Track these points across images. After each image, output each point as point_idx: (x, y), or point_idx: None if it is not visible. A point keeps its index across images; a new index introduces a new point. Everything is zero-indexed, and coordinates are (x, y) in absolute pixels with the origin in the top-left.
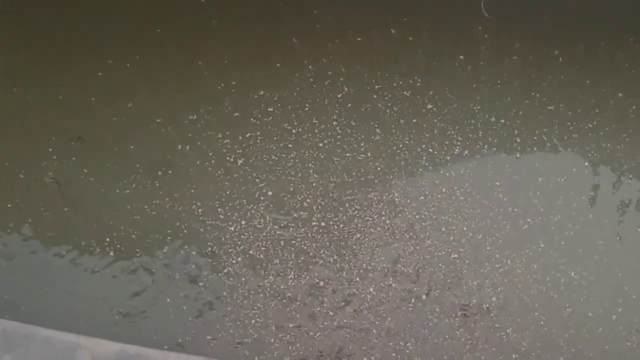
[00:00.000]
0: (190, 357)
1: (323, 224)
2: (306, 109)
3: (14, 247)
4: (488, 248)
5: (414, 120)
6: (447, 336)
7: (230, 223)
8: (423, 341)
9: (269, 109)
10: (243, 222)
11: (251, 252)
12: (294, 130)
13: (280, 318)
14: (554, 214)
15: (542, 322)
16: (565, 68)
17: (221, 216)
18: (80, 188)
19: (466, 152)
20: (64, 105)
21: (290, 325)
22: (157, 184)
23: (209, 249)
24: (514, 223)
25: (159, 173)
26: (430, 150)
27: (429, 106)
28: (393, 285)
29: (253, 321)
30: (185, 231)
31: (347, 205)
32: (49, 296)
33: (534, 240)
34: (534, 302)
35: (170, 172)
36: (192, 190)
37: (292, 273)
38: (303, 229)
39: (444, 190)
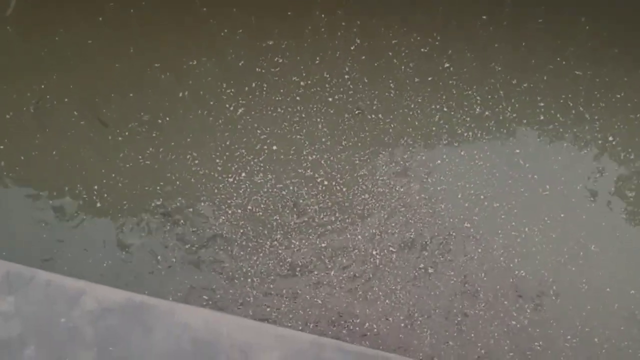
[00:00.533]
0: (198, 309)
1: (327, 182)
2: (317, 61)
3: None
4: (503, 217)
5: (430, 79)
6: (455, 307)
7: (229, 175)
8: (429, 312)
9: (276, 59)
10: (243, 175)
11: (249, 207)
12: (302, 83)
13: (281, 282)
14: (576, 183)
15: (555, 297)
16: (592, 36)
17: (219, 167)
18: (73, 134)
19: (487, 112)
20: (61, 50)
21: (290, 290)
22: (154, 133)
23: (203, 201)
24: (533, 191)
25: (159, 121)
26: (446, 109)
27: (446, 65)
28: (400, 251)
29: (249, 280)
30: (177, 182)
31: (355, 165)
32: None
33: (553, 209)
34: (549, 275)
35: (167, 119)
36: (189, 140)
37: (293, 233)
38: (306, 188)
39: (462, 153)
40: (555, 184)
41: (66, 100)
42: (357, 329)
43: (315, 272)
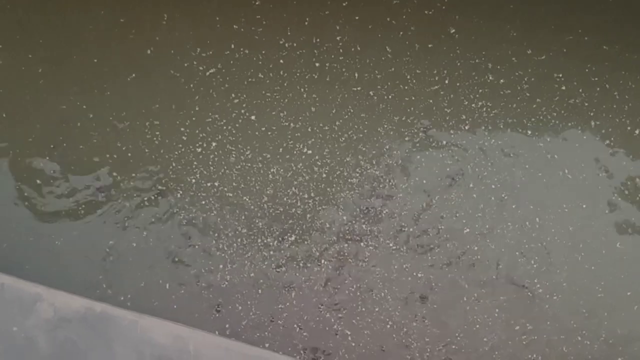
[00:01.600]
0: (163, 321)
1: (317, 155)
2: (306, 23)
3: None
4: (513, 206)
5: (430, 46)
6: (461, 300)
7: (195, 146)
8: (434, 301)
9: (258, 18)
10: (213, 144)
11: (217, 183)
12: (287, 45)
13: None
14: (600, 169)
15: (571, 295)
16: (612, 5)
17: (184, 137)
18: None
19: (502, 80)
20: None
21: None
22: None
23: (161, 176)
24: (553, 174)
25: (128, 79)
26: (448, 82)
27: (452, 31)
28: (399, 234)
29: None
30: (129, 154)
31: (348, 135)
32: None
33: (573, 199)
34: (562, 271)
35: (128, 79)
36: (151, 103)
37: (267, 222)
38: (288, 163)
39: (467, 127)
40: (578, 170)
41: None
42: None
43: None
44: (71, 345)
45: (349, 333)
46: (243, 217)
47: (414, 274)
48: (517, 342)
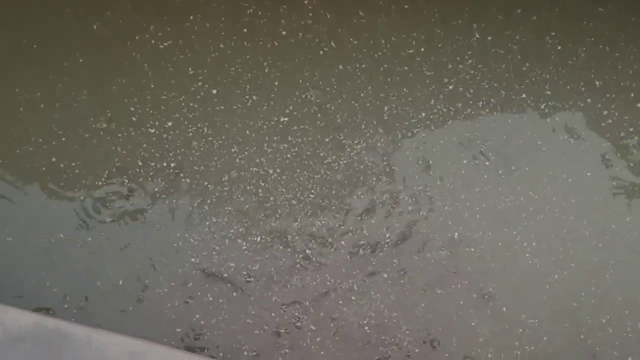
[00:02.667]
0: (120, 337)
1: (286, 131)
2: None
3: None
4: (504, 177)
5: (407, 7)
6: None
7: (148, 125)
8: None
9: None
10: (169, 124)
11: (173, 164)
12: (249, 11)
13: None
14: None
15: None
16: None
17: (133, 118)
18: None
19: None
20: None
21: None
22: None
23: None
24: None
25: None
26: (426, 48)
27: None
28: (384, 215)
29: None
30: (63, 138)
31: (320, 109)
32: None
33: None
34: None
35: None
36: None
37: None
38: (254, 141)
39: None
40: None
41: None
42: None
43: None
44: None
45: (313, 328)
46: (206, 205)
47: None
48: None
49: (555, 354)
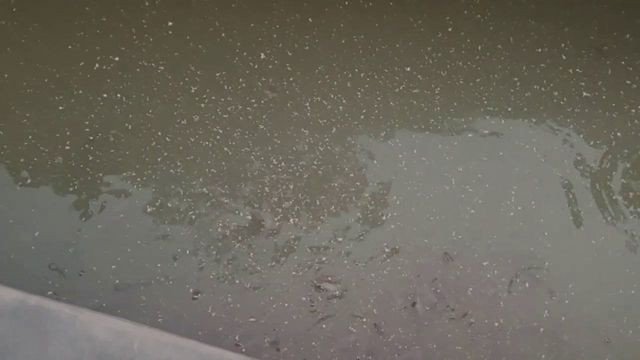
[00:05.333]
0: (106, 317)
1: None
2: None
3: None
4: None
5: None
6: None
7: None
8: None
9: None
10: (103, 95)
11: (112, 138)
12: None
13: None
14: None
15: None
16: None
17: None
18: None
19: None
20: None
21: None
22: None
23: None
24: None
25: None
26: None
27: None
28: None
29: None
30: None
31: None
32: None
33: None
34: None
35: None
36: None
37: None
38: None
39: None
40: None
41: None
42: None
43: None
44: (1, 343)
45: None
46: (177, 185)
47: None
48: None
49: None
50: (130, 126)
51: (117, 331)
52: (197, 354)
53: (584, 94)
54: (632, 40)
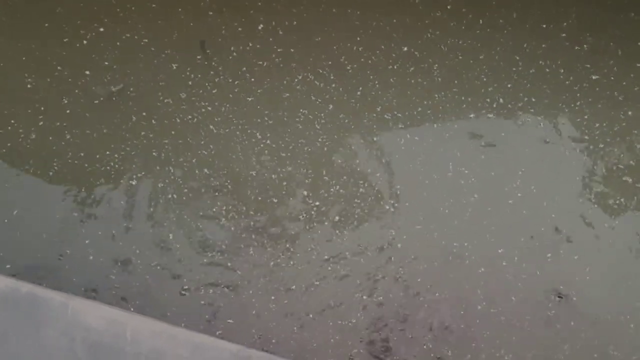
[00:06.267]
0: (99, 305)
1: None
2: None
3: None
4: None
5: None
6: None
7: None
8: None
9: None
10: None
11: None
12: None
13: None
14: None
15: None
16: None
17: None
18: None
19: None
20: None
21: None
22: None
23: None
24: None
25: None
26: None
27: None
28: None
29: None
30: None
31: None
32: None
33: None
34: None
35: None
36: None
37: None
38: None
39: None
40: None
41: None
42: None
43: None
44: None
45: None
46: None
47: None
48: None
49: None
50: None
51: (110, 319)
52: (191, 342)
53: (592, 76)
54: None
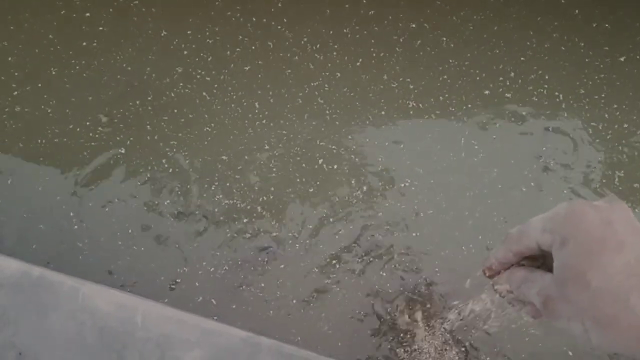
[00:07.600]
0: (110, 290)
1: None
2: None
3: None
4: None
5: None
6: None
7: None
8: None
9: None
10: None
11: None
12: None
13: None
14: None
15: None
16: None
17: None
18: None
19: None
20: None
21: None
22: None
23: None
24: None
25: None
26: None
27: None
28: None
29: None
30: None
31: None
32: None
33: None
34: None
35: None
36: None
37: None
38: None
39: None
40: None
41: None
42: None
43: None
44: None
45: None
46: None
47: None
48: None
49: None
50: None
51: (120, 304)
52: (200, 328)
53: (616, 54)
54: None
